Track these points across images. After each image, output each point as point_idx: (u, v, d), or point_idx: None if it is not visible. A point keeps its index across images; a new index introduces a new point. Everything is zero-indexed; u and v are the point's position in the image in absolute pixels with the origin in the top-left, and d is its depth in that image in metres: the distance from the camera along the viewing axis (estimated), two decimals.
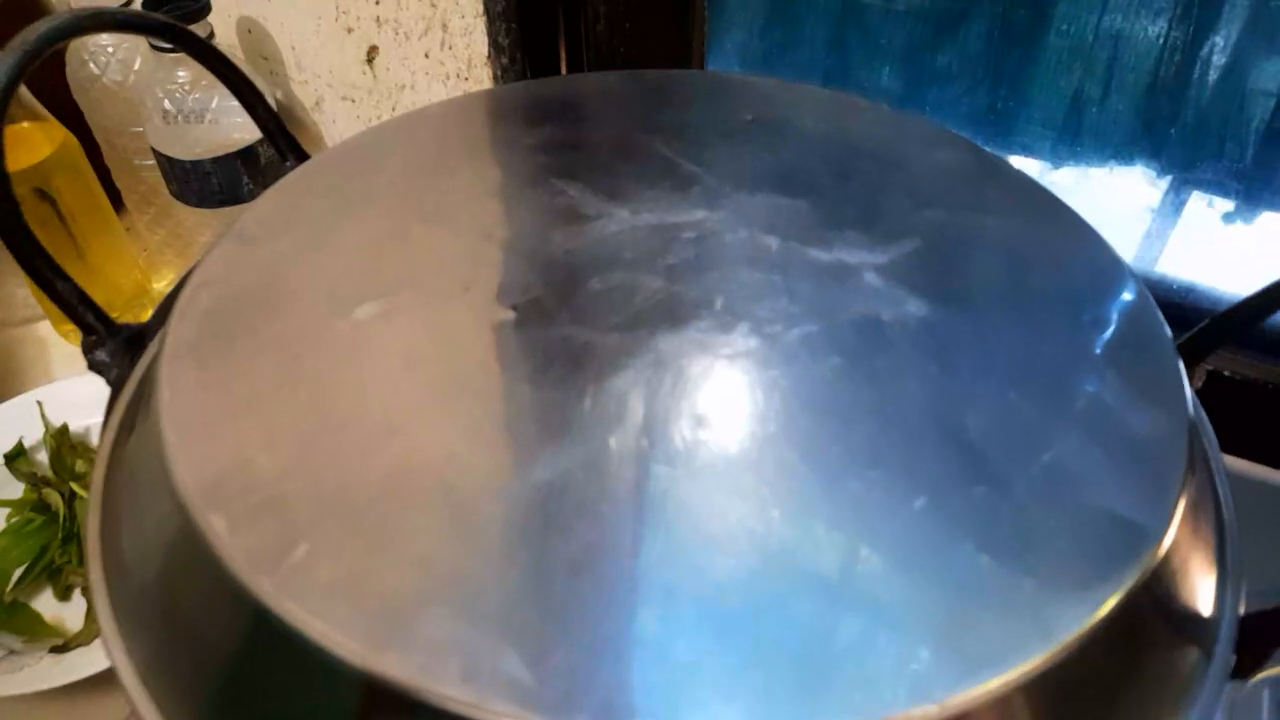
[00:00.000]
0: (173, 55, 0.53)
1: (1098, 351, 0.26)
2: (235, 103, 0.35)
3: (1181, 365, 0.26)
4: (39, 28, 0.27)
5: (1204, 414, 0.28)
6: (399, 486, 0.22)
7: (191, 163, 0.55)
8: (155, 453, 0.23)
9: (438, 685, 0.18)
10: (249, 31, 0.62)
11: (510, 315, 0.26)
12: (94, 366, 0.29)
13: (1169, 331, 0.27)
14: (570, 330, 0.26)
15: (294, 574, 0.20)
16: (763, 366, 0.25)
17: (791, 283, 0.28)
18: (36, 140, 0.54)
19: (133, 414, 0.27)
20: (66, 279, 0.28)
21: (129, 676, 0.22)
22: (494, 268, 0.28)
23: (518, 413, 0.24)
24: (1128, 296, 0.28)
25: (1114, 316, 0.27)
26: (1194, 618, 0.24)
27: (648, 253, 0.29)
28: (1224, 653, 0.24)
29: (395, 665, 0.19)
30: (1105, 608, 0.20)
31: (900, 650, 0.19)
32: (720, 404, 0.24)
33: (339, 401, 0.24)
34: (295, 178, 0.32)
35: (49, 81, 0.55)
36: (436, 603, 0.20)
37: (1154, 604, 0.22)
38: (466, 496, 0.22)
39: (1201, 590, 0.24)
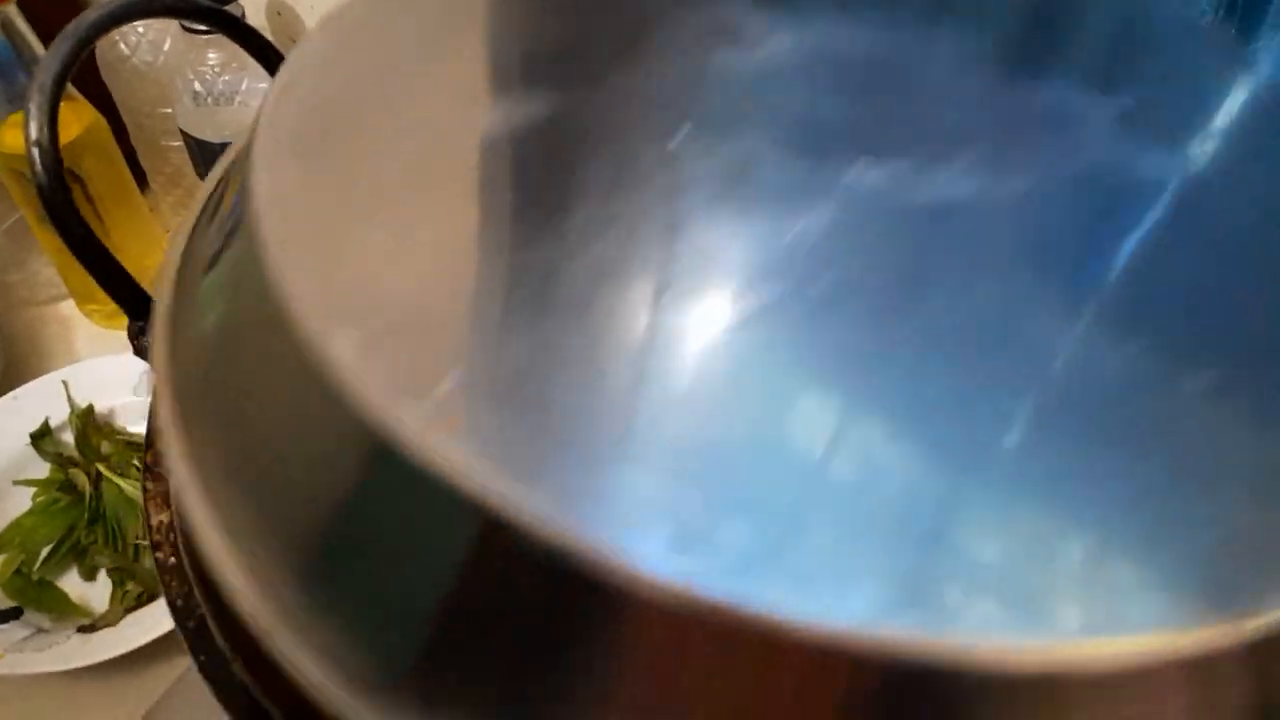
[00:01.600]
0: (204, 37, 0.52)
1: None
2: (265, 85, 0.32)
3: None
4: (90, 16, 0.27)
5: None
6: (568, 305, 0.16)
7: (220, 145, 0.54)
8: (250, 259, 0.17)
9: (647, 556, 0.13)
10: (278, 14, 0.61)
11: (685, 127, 0.21)
12: (140, 351, 0.29)
13: None
14: (751, 148, 0.21)
15: (444, 409, 0.14)
16: (980, 218, 0.20)
17: (1004, 126, 0.23)
18: (66, 120, 0.53)
19: (211, 215, 0.22)
20: (115, 262, 0.27)
21: (207, 531, 0.17)
22: (644, 77, 0.23)
23: (695, 239, 0.19)
24: None
25: None
26: None
27: (832, 81, 0.24)
28: None
29: (589, 526, 0.13)
30: None
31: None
32: (934, 256, 0.19)
33: (478, 208, 0.18)
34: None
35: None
36: (637, 459, 0.14)
37: None
38: (648, 332, 0.17)
39: None
